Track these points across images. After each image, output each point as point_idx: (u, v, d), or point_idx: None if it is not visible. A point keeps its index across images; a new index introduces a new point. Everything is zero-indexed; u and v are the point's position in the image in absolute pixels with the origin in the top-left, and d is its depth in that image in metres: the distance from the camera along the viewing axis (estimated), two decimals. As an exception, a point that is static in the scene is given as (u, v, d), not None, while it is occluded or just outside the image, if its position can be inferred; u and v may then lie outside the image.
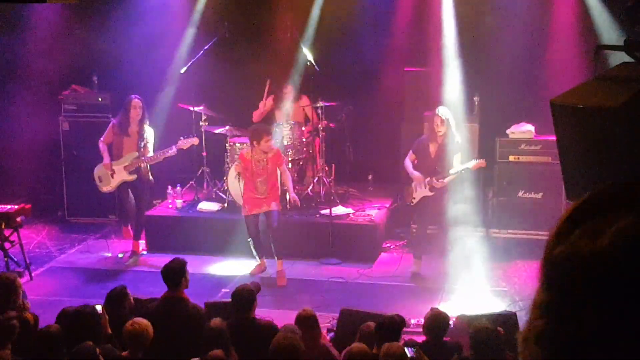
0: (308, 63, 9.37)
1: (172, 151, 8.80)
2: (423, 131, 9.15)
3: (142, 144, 8.73)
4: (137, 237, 9.03)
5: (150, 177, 8.94)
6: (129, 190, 8.93)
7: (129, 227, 9.09)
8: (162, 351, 5.28)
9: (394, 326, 5.15)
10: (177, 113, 9.97)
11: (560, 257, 0.94)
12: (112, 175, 8.83)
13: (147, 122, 8.85)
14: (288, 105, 9.71)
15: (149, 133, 8.83)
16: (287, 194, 8.58)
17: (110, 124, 8.96)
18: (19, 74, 10.55)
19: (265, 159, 8.19)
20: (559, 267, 0.94)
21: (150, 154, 8.79)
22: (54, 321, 5.49)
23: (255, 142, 8.14)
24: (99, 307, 5.43)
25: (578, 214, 0.97)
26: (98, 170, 8.91)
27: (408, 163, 8.28)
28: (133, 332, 5.01)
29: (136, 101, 8.74)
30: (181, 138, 8.90)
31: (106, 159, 8.79)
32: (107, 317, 5.44)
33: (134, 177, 8.79)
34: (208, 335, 5.09)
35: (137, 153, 8.74)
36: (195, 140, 8.98)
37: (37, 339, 5.15)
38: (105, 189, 8.96)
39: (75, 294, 7.94)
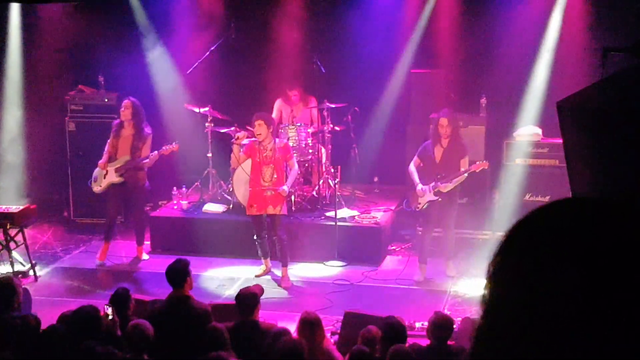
0: (314, 64, 9.34)
1: (154, 155, 8.55)
2: (429, 133, 9.12)
3: (136, 146, 8.56)
4: (139, 242, 8.94)
5: (144, 182, 8.75)
6: (117, 194, 8.76)
7: (108, 244, 8.83)
8: (169, 351, 5.27)
9: (398, 331, 5.11)
10: (183, 114, 9.97)
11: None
12: (105, 176, 8.69)
13: (144, 124, 8.63)
14: (294, 107, 9.70)
15: (145, 136, 8.61)
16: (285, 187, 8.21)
17: (113, 125, 8.85)
18: (26, 74, 10.56)
19: (271, 149, 8.09)
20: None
21: (149, 155, 8.56)
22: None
23: (254, 127, 8.07)
24: (109, 310, 5.42)
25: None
26: (96, 170, 8.79)
27: (413, 169, 8.18)
28: (133, 335, 4.99)
29: (126, 102, 8.60)
30: (165, 145, 8.67)
31: (103, 158, 8.68)
32: (117, 319, 5.43)
33: (120, 180, 8.60)
34: (209, 336, 5.08)
35: (129, 156, 8.57)
36: (175, 147, 8.66)
37: (40, 339, 5.14)
38: (96, 189, 8.78)
39: (80, 294, 7.94)
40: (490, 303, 0.97)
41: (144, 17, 10.30)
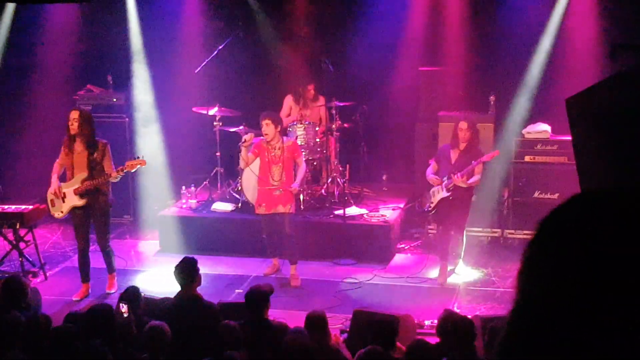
0: (323, 63, 9.34)
1: (115, 173, 7.56)
2: (437, 132, 9.11)
3: (94, 160, 7.58)
4: (110, 270, 8.02)
5: (108, 202, 7.76)
6: (82, 220, 7.77)
7: (87, 284, 7.97)
8: (178, 349, 5.28)
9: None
10: (191, 114, 9.98)
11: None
12: (63, 200, 7.72)
13: (96, 136, 7.65)
14: (307, 103, 9.70)
15: (103, 148, 7.62)
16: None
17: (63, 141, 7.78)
18: (35, 74, 10.60)
19: (280, 147, 8.09)
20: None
21: (113, 173, 7.53)
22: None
23: (261, 127, 8.07)
24: (124, 307, 5.43)
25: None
26: (49, 194, 7.81)
27: (431, 175, 8.11)
28: (151, 336, 4.99)
29: (72, 112, 7.67)
30: (137, 157, 7.78)
31: (53, 183, 7.72)
32: (133, 317, 5.44)
33: (83, 201, 7.63)
34: (222, 335, 5.09)
35: (86, 173, 7.58)
36: (142, 162, 7.67)
37: (51, 338, 5.16)
38: (57, 215, 7.85)
39: (90, 294, 7.97)
40: (522, 290, 1.01)
41: (137, 25, 10.35)
